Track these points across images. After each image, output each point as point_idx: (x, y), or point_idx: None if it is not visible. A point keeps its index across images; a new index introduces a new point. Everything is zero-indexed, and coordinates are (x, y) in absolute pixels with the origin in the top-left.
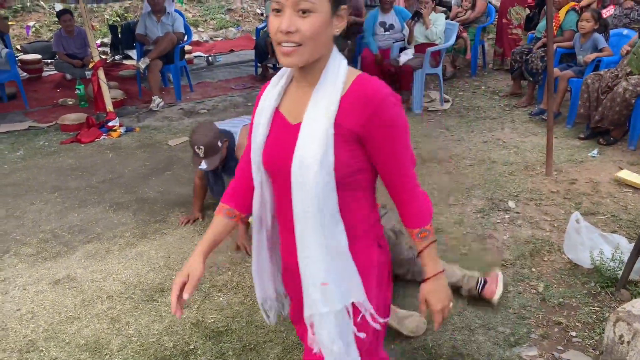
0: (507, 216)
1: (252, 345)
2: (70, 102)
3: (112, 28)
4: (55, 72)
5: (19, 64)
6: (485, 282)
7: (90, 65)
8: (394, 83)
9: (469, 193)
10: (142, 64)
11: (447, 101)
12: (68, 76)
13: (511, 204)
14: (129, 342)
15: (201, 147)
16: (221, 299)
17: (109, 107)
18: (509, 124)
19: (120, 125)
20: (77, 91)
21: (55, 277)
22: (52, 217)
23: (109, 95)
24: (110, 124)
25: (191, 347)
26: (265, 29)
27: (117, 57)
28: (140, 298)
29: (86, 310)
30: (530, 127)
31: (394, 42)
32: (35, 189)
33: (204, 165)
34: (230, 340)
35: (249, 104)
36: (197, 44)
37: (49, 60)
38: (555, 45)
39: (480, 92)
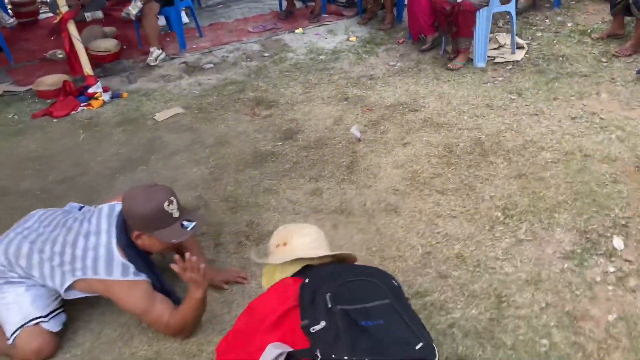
0: (612, 268)
1: None
2: (61, 56)
3: None
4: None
5: (10, 7)
6: None
7: (57, 20)
8: (450, 27)
9: (551, 217)
10: (133, 9)
11: (521, 47)
12: None
13: (617, 242)
14: None
15: (172, 199)
16: None
17: (87, 70)
18: (606, 86)
19: (105, 90)
20: None
21: None
22: None
23: (85, 54)
24: (90, 90)
25: None
26: None
27: None
28: None
29: None
30: (639, 90)
31: None
32: None
33: (190, 227)
34: None
35: (266, 54)
36: None
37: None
38: None
39: (566, 33)
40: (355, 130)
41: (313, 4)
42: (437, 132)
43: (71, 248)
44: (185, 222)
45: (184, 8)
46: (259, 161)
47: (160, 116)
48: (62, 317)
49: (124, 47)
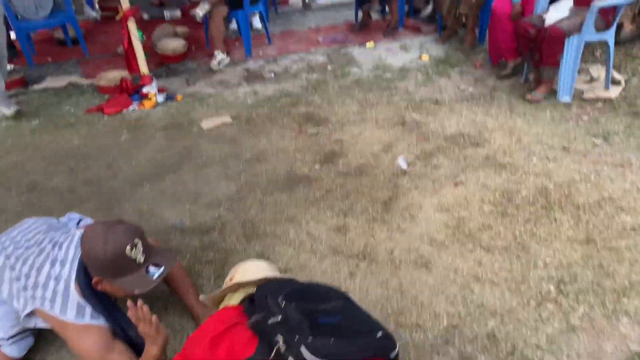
0: None
1: None
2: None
3: None
4: None
5: (97, 0)
6: None
7: (118, 17)
8: (533, 53)
9: (617, 302)
10: (200, 11)
11: (617, 83)
12: (145, 16)
13: None
14: None
15: (137, 241)
16: None
17: (143, 69)
18: None
19: (161, 91)
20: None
21: None
22: None
23: (142, 52)
24: (144, 90)
25: None
26: None
27: None
28: None
29: None
30: None
31: None
32: (10, 184)
33: (156, 274)
34: None
35: (329, 67)
36: None
37: None
38: None
39: None
40: (402, 161)
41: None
42: (497, 173)
43: (36, 272)
44: (151, 268)
45: (256, 13)
46: (290, 185)
47: (206, 124)
48: (28, 342)
49: (193, 48)
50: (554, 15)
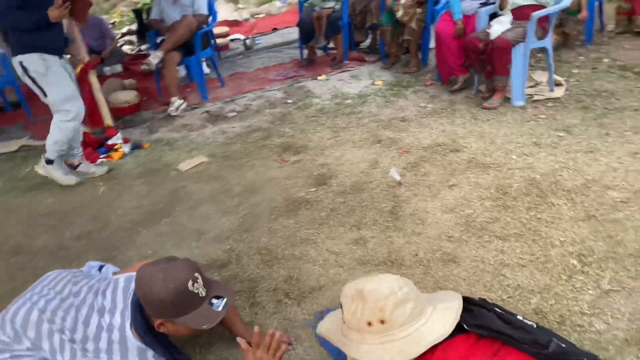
0: None
1: None
2: None
3: (137, 12)
4: None
5: None
6: None
7: (78, 70)
8: (484, 65)
9: (637, 264)
10: (154, 59)
11: (560, 85)
12: None
13: None
14: None
15: (197, 275)
16: None
17: (108, 121)
18: None
19: (126, 142)
20: None
21: None
22: None
23: (106, 104)
24: (110, 142)
25: None
26: (310, 1)
27: (143, 48)
28: None
29: None
30: None
31: (479, 6)
32: None
33: (221, 306)
34: None
35: (289, 101)
36: (235, 24)
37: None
38: None
39: (604, 68)
40: (394, 173)
41: (334, 51)
42: (485, 172)
43: (83, 326)
44: (214, 301)
45: (204, 59)
46: (292, 209)
47: (184, 166)
48: None
49: (144, 98)
50: (498, 29)
